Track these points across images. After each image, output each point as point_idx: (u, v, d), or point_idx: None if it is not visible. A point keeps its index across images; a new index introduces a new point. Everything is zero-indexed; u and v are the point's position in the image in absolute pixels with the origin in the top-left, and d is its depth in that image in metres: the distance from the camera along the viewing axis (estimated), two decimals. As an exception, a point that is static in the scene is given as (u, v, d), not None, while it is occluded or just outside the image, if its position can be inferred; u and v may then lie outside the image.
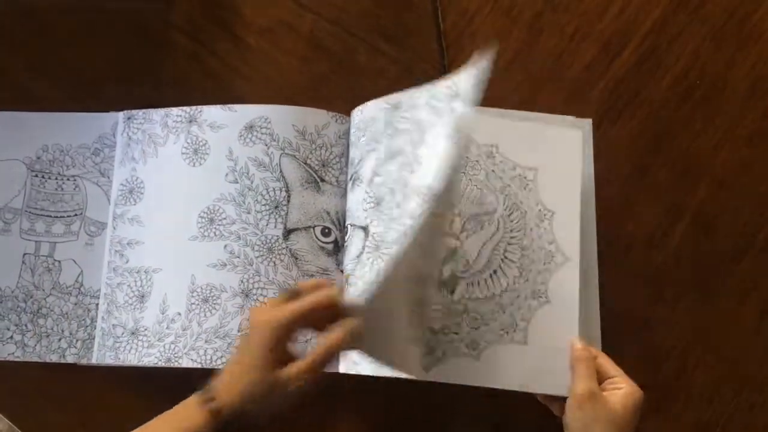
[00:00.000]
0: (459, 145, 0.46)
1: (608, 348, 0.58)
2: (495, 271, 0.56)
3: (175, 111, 0.63)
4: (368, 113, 0.60)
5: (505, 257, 0.57)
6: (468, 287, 0.56)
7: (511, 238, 0.57)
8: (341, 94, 0.64)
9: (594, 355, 0.54)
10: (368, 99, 0.59)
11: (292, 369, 0.47)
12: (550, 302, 0.56)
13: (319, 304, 0.48)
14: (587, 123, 0.63)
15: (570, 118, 0.63)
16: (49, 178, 0.64)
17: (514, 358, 0.55)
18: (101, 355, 0.61)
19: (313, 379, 0.47)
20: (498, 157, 0.58)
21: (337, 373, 0.56)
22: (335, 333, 0.47)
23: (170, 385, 0.60)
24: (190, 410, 0.47)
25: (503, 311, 0.56)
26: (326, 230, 0.61)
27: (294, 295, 0.49)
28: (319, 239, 0.60)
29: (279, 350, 0.47)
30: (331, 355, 0.48)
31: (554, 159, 0.58)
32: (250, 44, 0.66)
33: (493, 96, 0.64)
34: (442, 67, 0.66)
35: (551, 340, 0.55)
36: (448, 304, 0.56)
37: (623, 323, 0.61)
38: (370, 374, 0.55)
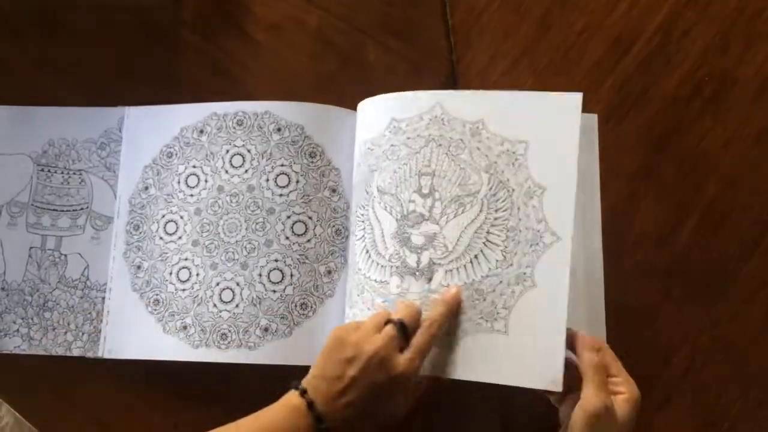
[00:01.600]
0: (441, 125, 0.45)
1: (615, 345, 0.58)
2: (476, 256, 0.53)
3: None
4: (373, 107, 0.60)
5: (488, 240, 0.53)
6: (446, 274, 0.54)
7: (495, 219, 0.54)
8: (349, 90, 0.64)
9: (599, 347, 0.51)
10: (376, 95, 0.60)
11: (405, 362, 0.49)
12: (536, 287, 0.52)
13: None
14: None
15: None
16: (55, 172, 0.64)
17: (495, 349, 0.51)
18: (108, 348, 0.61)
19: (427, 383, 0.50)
20: (485, 133, 0.55)
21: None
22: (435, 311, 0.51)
23: (177, 378, 0.61)
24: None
25: (483, 298, 0.53)
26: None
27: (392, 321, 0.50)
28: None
29: None
30: (436, 334, 0.50)
31: (548, 129, 0.53)
32: (258, 41, 0.66)
33: (500, 92, 0.64)
34: (451, 63, 0.66)
35: (536, 328, 0.51)
36: (425, 293, 0.54)
37: (631, 320, 0.61)
38: None
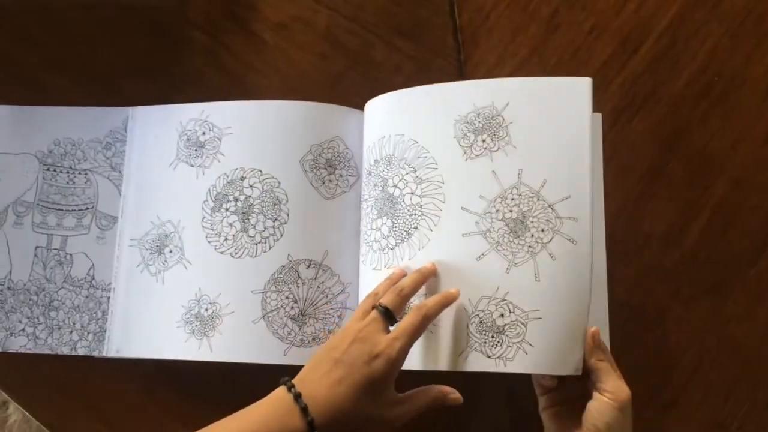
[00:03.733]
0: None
1: (623, 345, 0.58)
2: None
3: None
4: (381, 106, 0.60)
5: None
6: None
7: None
8: (357, 90, 0.64)
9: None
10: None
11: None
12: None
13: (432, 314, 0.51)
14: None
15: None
16: (61, 171, 0.64)
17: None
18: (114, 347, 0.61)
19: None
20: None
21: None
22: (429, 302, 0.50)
23: (185, 377, 0.61)
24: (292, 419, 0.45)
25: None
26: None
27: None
28: None
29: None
30: (425, 316, 0.50)
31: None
32: (266, 40, 0.66)
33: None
34: (459, 63, 0.65)
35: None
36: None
37: (639, 320, 0.61)
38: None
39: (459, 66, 0.65)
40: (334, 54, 0.65)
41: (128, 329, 0.61)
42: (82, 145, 0.65)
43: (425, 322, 0.50)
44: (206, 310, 0.59)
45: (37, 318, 0.62)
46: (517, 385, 0.58)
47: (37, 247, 0.63)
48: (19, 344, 0.62)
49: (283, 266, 0.59)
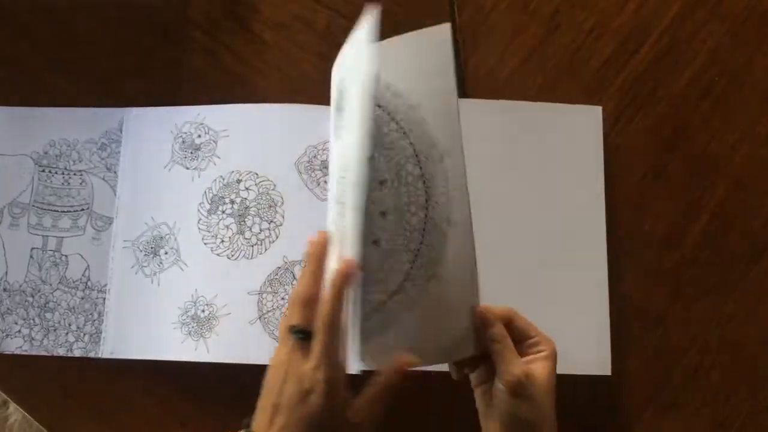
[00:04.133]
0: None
1: (624, 345, 0.58)
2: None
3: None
4: None
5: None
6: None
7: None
8: (356, 89, 0.64)
9: (508, 317, 0.48)
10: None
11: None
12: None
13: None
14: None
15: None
16: (56, 172, 0.64)
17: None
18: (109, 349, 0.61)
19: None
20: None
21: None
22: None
23: (184, 377, 0.61)
24: None
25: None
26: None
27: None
28: None
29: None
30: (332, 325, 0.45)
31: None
32: (266, 40, 0.66)
33: (509, 91, 0.64)
34: (458, 62, 0.65)
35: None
36: None
37: (639, 321, 0.61)
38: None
39: (459, 66, 0.65)
40: (334, 54, 0.65)
41: (123, 330, 0.61)
42: (77, 146, 0.64)
43: (332, 331, 0.45)
44: (203, 311, 0.59)
45: (33, 319, 0.62)
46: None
47: (32, 248, 0.63)
48: (15, 346, 0.61)
49: (279, 267, 0.60)
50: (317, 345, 0.45)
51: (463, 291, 0.47)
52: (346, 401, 0.45)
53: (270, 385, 0.46)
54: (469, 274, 0.47)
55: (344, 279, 0.45)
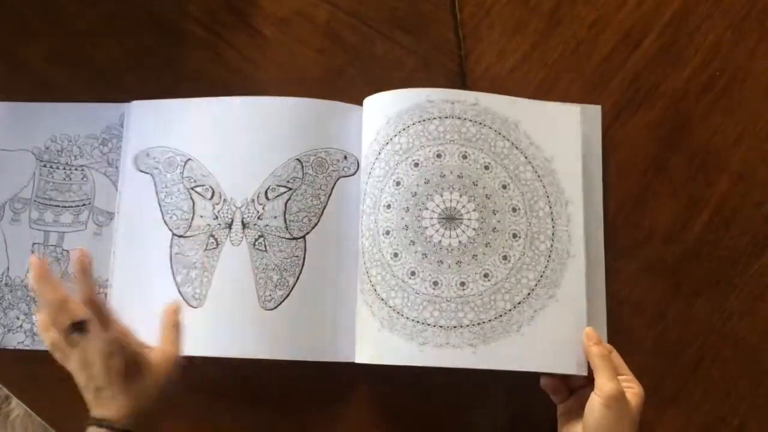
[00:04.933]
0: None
1: (625, 341, 0.58)
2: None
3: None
4: (379, 103, 0.60)
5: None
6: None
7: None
8: (358, 85, 0.64)
9: (610, 350, 0.54)
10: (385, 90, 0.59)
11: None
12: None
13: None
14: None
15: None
16: (57, 168, 0.64)
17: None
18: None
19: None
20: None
21: (351, 363, 0.57)
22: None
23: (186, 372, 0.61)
24: None
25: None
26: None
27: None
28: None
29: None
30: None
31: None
32: (267, 35, 0.66)
33: (509, 86, 0.64)
34: (460, 58, 0.65)
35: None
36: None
37: (640, 316, 0.61)
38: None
39: (460, 61, 0.65)
40: (335, 49, 0.65)
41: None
42: (78, 141, 0.64)
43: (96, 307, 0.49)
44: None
45: (35, 315, 0.62)
46: (518, 379, 0.58)
47: (34, 243, 0.63)
48: (17, 341, 0.61)
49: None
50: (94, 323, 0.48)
51: (576, 314, 0.56)
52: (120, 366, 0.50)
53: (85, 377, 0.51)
54: (582, 300, 0.56)
55: (81, 267, 0.50)
